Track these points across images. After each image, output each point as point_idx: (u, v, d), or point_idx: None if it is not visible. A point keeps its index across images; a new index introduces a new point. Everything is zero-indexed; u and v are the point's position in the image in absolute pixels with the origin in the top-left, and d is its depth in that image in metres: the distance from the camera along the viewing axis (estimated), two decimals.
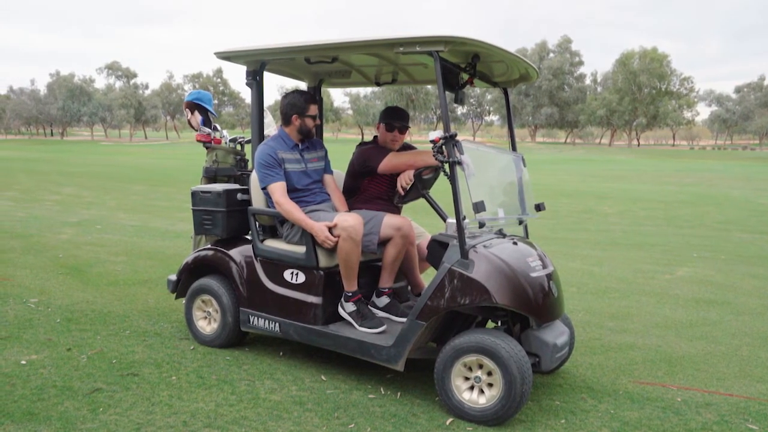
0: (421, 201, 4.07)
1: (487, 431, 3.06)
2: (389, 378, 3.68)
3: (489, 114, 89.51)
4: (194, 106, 5.08)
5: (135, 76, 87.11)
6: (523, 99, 78.87)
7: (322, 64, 4.10)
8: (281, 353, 4.06)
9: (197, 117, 5.08)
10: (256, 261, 3.93)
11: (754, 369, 4.05)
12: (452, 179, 3.13)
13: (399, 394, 3.46)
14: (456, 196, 3.11)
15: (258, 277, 3.89)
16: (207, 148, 4.98)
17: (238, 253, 4.02)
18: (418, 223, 4.15)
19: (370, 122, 76.07)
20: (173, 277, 4.38)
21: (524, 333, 3.30)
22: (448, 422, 3.12)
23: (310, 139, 3.99)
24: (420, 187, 3.86)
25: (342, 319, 3.72)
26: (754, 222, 12.42)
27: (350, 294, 3.67)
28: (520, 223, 3.91)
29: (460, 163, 3.14)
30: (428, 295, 3.21)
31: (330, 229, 3.55)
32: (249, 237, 4.08)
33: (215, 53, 3.89)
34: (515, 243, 3.48)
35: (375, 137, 4.20)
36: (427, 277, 3.79)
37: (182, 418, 3.05)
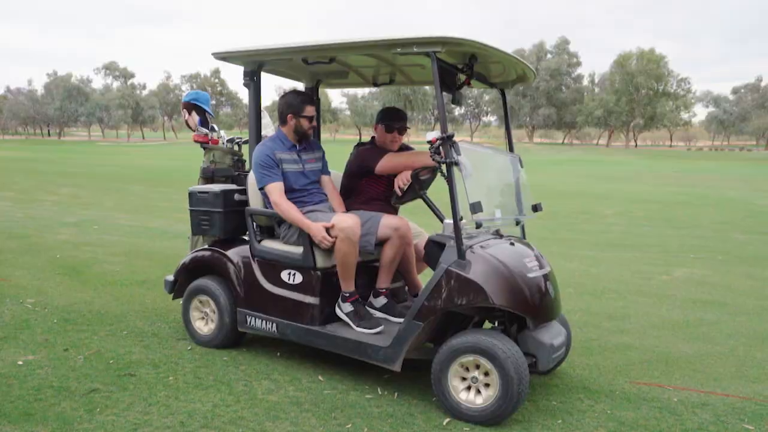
0: (419, 201, 4.07)
1: (484, 431, 3.07)
2: (386, 378, 3.68)
3: (486, 115, 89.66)
4: (192, 106, 5.07)
5: (132, 76, 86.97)
6: (521, 100, 78.85)
7: (320, 64, 4.09)
8: (278, 354, 4.06)
9: (195, 117, 5.07)
10: (254, 261, 3.93)
11: (750, 369, 4.06)
12: (449, 180, 3.13)
13: (396, 394, 3.46)
14: (453, 197, 3.11)
15: (255, 277, 3.89)
16: (204, 148, 4.97)
17: (235, 253, 4.02)
18: (415, 223, 4.16)
19: (367, 123, 75.94)
20: (170, 277, 4.38)
21: (521, 333, 3.30)
22: (445, 422, 3.13)
23: (308, 140, 4.00)
24: (417, 188, 3.86)
25: (339, 319, 3.71)
26: (751, 223, 12.45)
27: (347, 294, 3.67)
28: (518, 223, 3.92)
29: (457, 163, 3.14)
30: (425, 295, 3.21)
31: (327, 230, 3.55)
32: (246, 237, 4.08)
33: (213, 54, 3.89)
34: (512, 243, 3.49)
35: (372, 138, 4.20)
36: (425, 278, 3.79)
37: (179, 418, 3.05)
